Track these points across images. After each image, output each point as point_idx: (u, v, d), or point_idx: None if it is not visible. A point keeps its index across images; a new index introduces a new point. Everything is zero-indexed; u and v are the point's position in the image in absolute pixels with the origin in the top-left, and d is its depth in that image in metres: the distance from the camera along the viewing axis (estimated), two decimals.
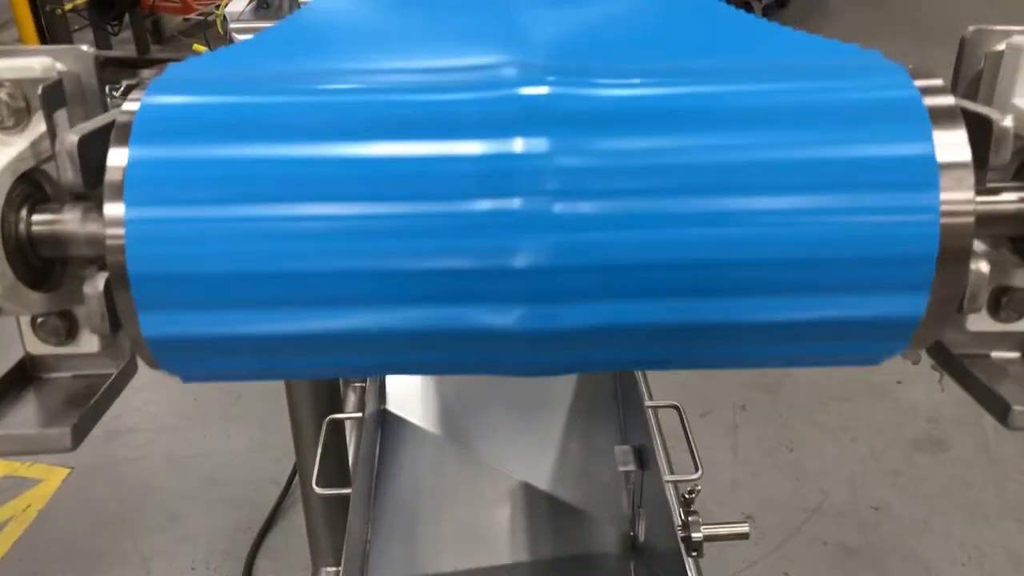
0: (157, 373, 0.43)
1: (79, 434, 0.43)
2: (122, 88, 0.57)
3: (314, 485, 0.99)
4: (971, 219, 0.37)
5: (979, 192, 0.38)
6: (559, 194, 0.37)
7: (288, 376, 0.43)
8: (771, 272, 0.38)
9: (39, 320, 0.46)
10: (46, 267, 0.44)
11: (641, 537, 1.07)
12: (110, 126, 0.39)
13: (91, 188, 0.39)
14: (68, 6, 3.86)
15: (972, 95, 0.47)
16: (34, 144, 0.43)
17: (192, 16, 4.18)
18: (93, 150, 0.39)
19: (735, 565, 1.73)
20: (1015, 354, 0.47)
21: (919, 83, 0.39)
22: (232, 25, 1.01)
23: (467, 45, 0.49)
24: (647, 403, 1.08)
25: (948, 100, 0.38)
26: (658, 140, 0.38)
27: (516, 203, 0.37)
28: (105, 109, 0.47)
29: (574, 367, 0.43)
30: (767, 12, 5.00)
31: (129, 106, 0.40)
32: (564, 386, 1.32)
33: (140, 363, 0.44)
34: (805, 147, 0.37)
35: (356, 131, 0.38)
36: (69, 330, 0.47)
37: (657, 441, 1.03)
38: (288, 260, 0.38)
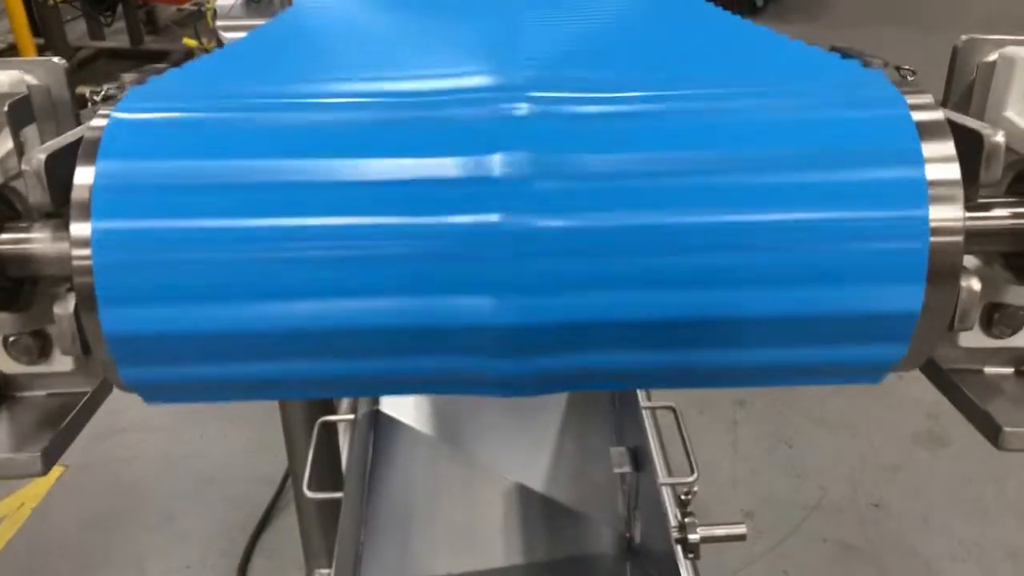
0: None
1: (50, 458, 0.42)
2: (103, 92, 0.56)
3: (305, 489, 0.99)
4: (960, 237, 0.36)
5: (970, 208, 0.38)
6: (539, 209, 0.36)
7: (265, 396, 0.42)
8: (760, 288, 0.37)
9: (11, 339, 0.45)
10: (15, 286, 0.42)
11: (637, 539, 1.06)
12: (79, 143, 0.38)
13: (60, 207, 0.38)
14: None
15: (965, 105, 0.46)
16: (2, 161, 0.42)
17: (186, 6, 4.15)
18: (61, 167, 0.38)
19: (734, 563, 1.72)
20: (1009, 369, 0.47)
21: (908, 99, 0.38)
22: (219, 23, 0.99)
23: (451, 55, 0.48)
24: (643, 404, 1.07)
25: (937, 115, 0.38)
26: (640, 158, 0.37)
27: (494, 218, 0.36)
28: (78, 121, 0.46)
29: (556, 383, 0.42)
30: None
31: (97, 122, 0.39)
32: None
33: None
34: (792, 165, 0.37)
35: (328, 147, 0.37)
36: (42, 349, 0.45)
37: (653, 442, 1.02)
38: (260, 278, 0.37)
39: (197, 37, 2.76)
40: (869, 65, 0.51)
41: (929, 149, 0.37)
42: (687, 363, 0.40)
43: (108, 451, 2.02)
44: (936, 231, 0.36)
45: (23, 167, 0.37)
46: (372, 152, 0.37)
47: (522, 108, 0.38)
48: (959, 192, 0.36)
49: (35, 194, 0.37)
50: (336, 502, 0.99)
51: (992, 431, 0.42)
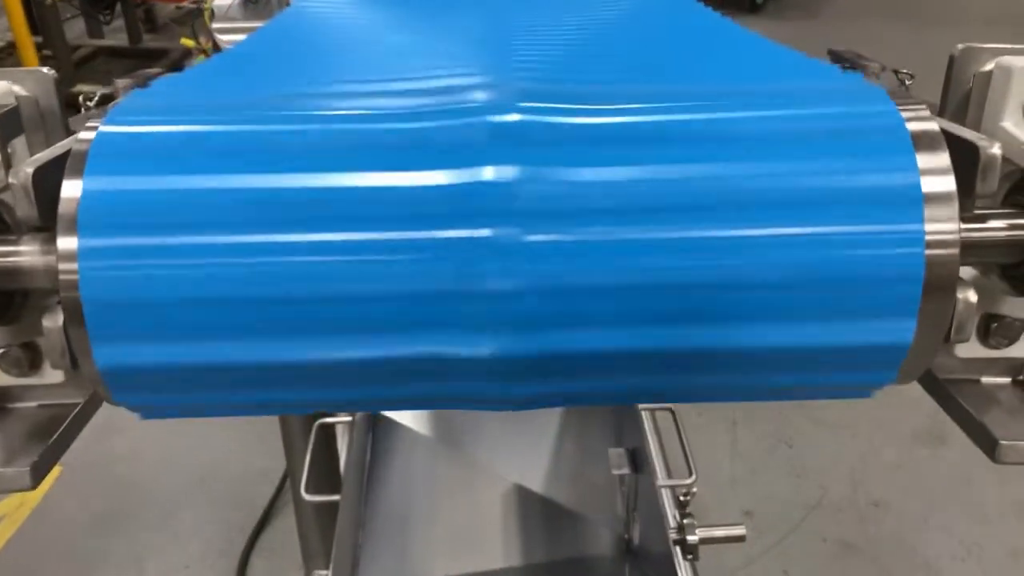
0: None
1: (39, 472, 0.42)
2: (96, 98, 0.55)
3: (303, 491, 0.98)
4: (956, 249, 0.36)
5: (966, 219, 0.38)
6: (529, 223, 0.36)
7: (250, 411, 0.42)
8: (753, 303, 0.37)
9: (1, 351, 0.44)
10: (5, 299, 0.42)
11: (636, 540, 1.06)
12: (67, 155, 0.38)
13: (48, 220, 0.38)
14: None
15: (961, 114, 0.46)
16: None
17: (184, 4, 4.14)
18: (49, 181, 0.38)
19: (734, 562, 1.72)
20: (1006, 379, 0.46)
21: (903, 111, 0.38)
22: (215, 25, 0.99)
23: (442, 61, 0.48)
24: (642, 406, 1.07)
25: (932, 127, 0.37)
26: (635, 169, 0.37)
27: (485, 232, 0.36)
28: (67, 131, 0.45)
29: (550, 401, 0.42)
30: None
31: (85, 135, 0.38)
32: None
33: None
34: (787, 177, 0.36)
35: (316, 160, 0.37)
36: (32, 361, 0.45)
37: (652, 444, 1.02)
38: (247, 291, 0.36)
39: (195, 36, 2.75)
40: (867, 71, 0.50)
41: (925, 161, 0.36)
42: (681, 385, 0.39)
43: (108, 450, 2.02)
44: (932, 244, 0.36)
45: (10, 180, 0.37)
46: (364, 171, 0.37)
47: (513, 118, 0.37)
48: (955, 205, 0.36)
49: (22, 208, 0.37)
50: (335, 504, 0.99)
51: (988, 444, 0.42)
